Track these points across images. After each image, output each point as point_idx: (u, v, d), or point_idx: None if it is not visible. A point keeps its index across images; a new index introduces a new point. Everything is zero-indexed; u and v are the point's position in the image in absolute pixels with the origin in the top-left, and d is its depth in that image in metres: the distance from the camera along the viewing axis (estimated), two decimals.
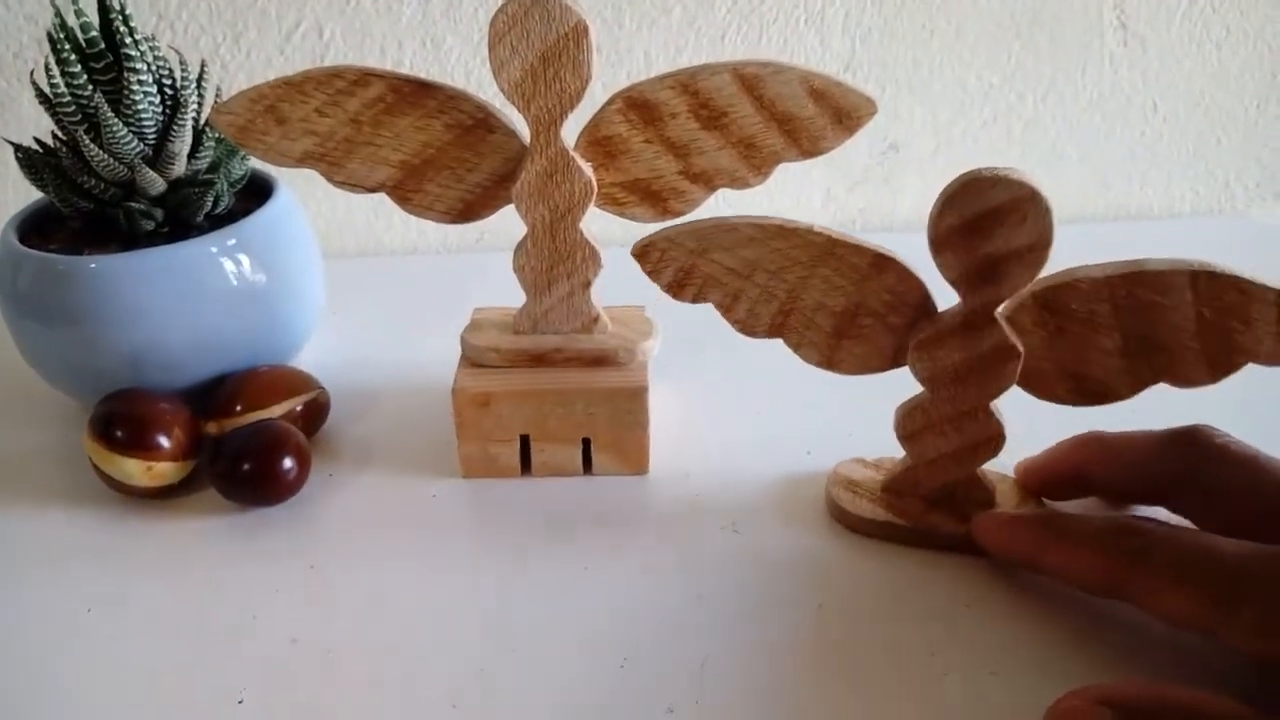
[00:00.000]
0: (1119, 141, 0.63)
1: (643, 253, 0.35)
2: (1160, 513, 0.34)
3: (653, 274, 0.35)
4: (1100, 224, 0.64)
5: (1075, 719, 0.27)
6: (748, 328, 0.36)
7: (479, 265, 0.59)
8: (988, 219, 0.30)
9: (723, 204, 0.62)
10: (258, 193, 0.45)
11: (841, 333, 0.35)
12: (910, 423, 0.35)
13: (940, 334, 0.33)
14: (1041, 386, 0.34)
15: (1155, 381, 0.33)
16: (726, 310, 0.35)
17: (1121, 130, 0.63)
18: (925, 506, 0.36)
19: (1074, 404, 0.34)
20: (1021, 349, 0.32)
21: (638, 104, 0.36)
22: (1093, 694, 0.27)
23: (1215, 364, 0.32)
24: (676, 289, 0.35)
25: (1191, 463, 0.33)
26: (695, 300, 0.35)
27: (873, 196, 0.63)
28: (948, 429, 0.35)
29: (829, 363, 0.36)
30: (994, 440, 0.34)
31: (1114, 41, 0.59)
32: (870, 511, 0.37)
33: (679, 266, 0.35)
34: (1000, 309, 0.32)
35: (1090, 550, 0.31)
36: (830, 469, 0.39)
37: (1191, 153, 0.64)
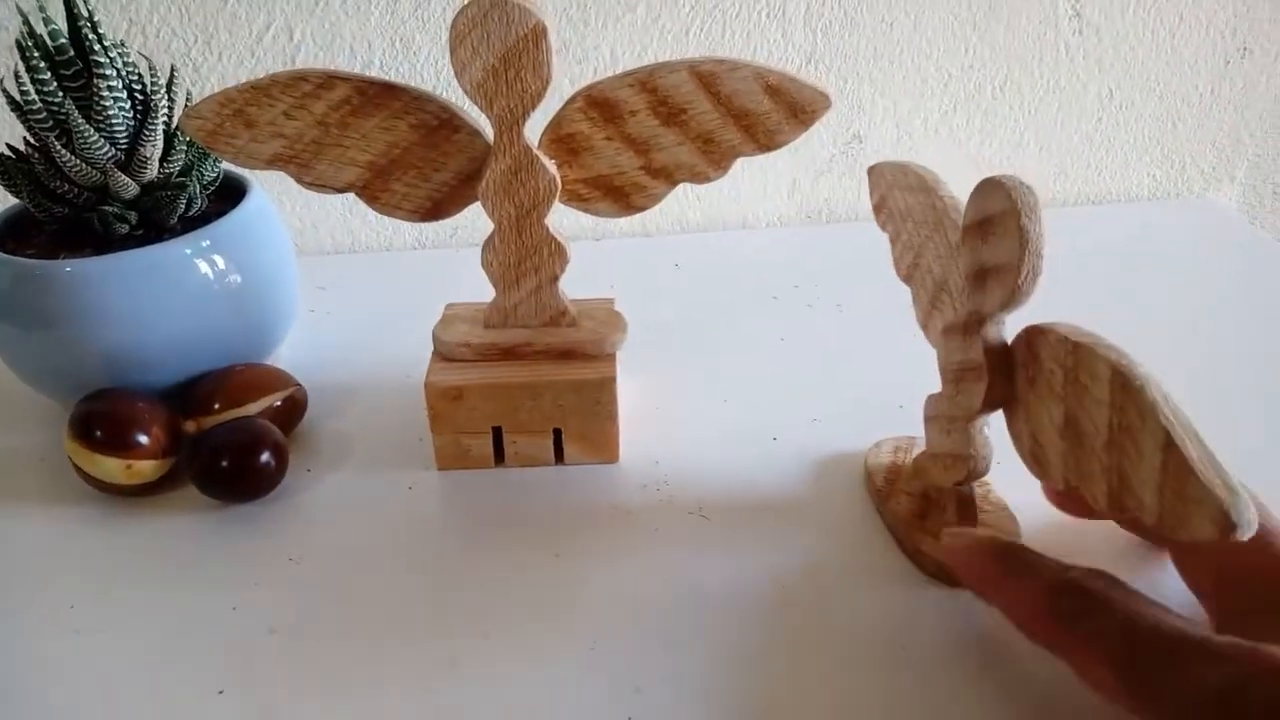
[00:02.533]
0: (1076, 129, 0.64)
1: (869, 172, 0.38)
2: None
3: (870, 192, 0.38)
4: (1059, 210, 0.66)
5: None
6: (897, 267, 0.37)
7: (452, 261, 0.60)
8: (985, 225, 0.29)
9: (690, 195, 0.64)
10: (231, 194, 0.46)
11: (934, 303, 0.35)
12: (927, 406, 0.35)
13: (952, 327, 0.33)
14: (1012, 427, 0.31)
15: (1078, 486, 0.29)
16: (892, 244, 0.37)
17: (1078, 117, 0.64)
18: (909, 491, 0.37)
19: (1028, 467, 0.31)
20: (986, 372, 0.31)
21: (598, 102, 0.37)
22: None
23: (1113, 493, 0.27)
24: (875, 211, 0.38)
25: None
26: (882, 228, 0.38)
27: (837, 187, 0.64)
28: (947, 427, 0.34)
29: (923, 327, 0.36)
30: (962, 459, 0.33)
31: (1069, 30, 0.61)
32: (872, 461, 0.40)
33: (881, 193, 0.37)
34: (992, 330, 0.31)
35: (1033, 601, 0.29)
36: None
37: (1147, 138, 0.65)
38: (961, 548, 0.33)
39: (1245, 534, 0.24)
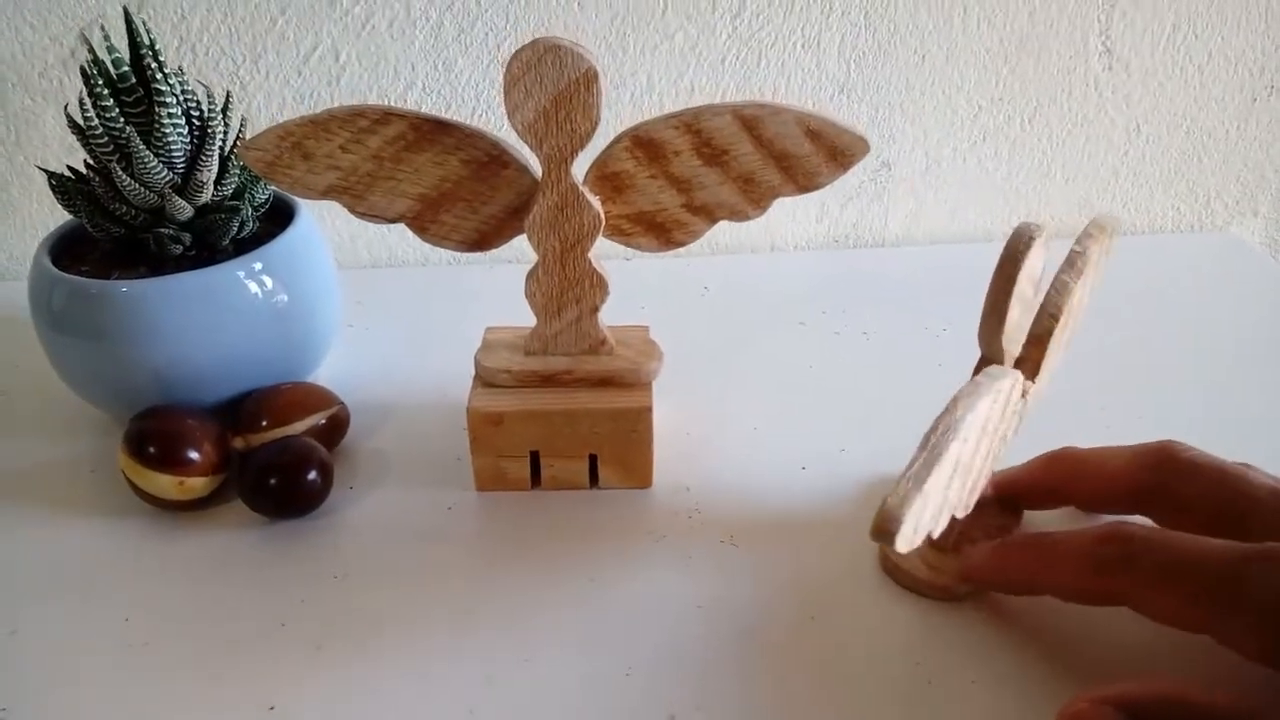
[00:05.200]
0: (1103, 161, 0.65)
1: None
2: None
3: None
4: None
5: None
6: None
7: (488, 278, 0.61)
8: None
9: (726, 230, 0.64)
10: (279, 214, 0.47)
11: None
12: None
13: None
14: None
15: None
16: None
17: (1106, 150, 0.65)
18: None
19: None
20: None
21: (644, 142, 0.38)
22: (1098, 696, 0.28)
23: None
24: None
25: (1162, 479, 0.34)
26: None
27: (865, 212, 0.65)
28: None
29: None
30: None
31: (1099, 65, 0.62)
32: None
33: None
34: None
35: (1079, 565, 0.31)
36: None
37: (1173, 172, 0.66)
38: (984, 561, 0.35)
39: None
